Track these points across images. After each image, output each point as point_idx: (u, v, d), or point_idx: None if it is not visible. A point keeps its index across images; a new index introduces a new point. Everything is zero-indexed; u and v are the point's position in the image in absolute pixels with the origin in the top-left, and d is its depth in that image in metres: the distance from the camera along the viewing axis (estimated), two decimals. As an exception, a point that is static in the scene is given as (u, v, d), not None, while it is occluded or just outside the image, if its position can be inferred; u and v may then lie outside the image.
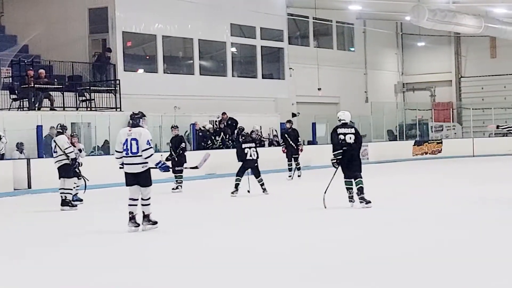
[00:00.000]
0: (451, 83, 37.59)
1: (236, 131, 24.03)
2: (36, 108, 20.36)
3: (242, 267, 7.62)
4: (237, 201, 14.66)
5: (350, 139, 12.44)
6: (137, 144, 10.04)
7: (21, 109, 20.35)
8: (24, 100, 20.42)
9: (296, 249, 8.55)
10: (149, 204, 10.21)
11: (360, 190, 12.40)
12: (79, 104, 21.75)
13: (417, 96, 37.49)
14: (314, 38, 32.31)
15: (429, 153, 30.57)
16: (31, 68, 20.79)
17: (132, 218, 10.17)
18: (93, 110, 21.70)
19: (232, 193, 15.34)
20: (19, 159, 18.54)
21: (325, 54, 31.78)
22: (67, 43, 23.61)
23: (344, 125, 12.60)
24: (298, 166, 20.49)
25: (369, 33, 34.68)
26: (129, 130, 10.16)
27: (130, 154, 10.09)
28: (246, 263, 7.86)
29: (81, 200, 14.30)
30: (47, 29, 23.46)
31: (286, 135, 20.67)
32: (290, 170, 20.55)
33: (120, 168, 10.35)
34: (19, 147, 18.96)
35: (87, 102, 21.90)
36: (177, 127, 17.97)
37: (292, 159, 20.46)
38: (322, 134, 28.49)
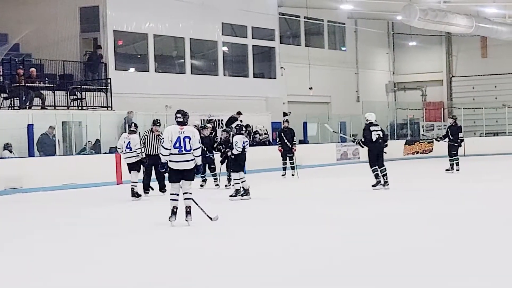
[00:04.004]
0: (442, 83, 37.69)
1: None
2: (27, 107, 20.26)
3: (236, 267, 7.61)
4: (230, 200, 14.63)
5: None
6: (190, 142, 10.43)
7: (12, 108, 20.26)
8: (15, 99, 20.34)
9: (287, 249, 8.55)
10: (192, 198, 10.60)
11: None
12: (70, 103, 21.66)
13: (408, 95, 37.59)
14: (305, 38, 32.34)
15: (420, 153, 30.62)
16: (21, 67, 20.71)
17: (175, 212, 10.54)
18: (84, 109, 21.63)
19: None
20: (8, 158, 18.48)
21: (316, 54, 31.83)
22: (58, 42, 23.52)
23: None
24: (293, 165, 20.52)
25: (360, 33, 34.74)
26: (181, 128, 10.47)
27: (184, 152, 10.43)
28: (240, 263, 7.85)
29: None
30: (38, 27, 23.34)
31: (282, 134, 20.67)
32: (284, 169, 20.64)
33: (163, 164, 10.58)
34: (7, 147, 18.85)
35: (78, 101, 21.82)
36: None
37: (287, 158, 20.52)
38: (313, 134, 28.47)
